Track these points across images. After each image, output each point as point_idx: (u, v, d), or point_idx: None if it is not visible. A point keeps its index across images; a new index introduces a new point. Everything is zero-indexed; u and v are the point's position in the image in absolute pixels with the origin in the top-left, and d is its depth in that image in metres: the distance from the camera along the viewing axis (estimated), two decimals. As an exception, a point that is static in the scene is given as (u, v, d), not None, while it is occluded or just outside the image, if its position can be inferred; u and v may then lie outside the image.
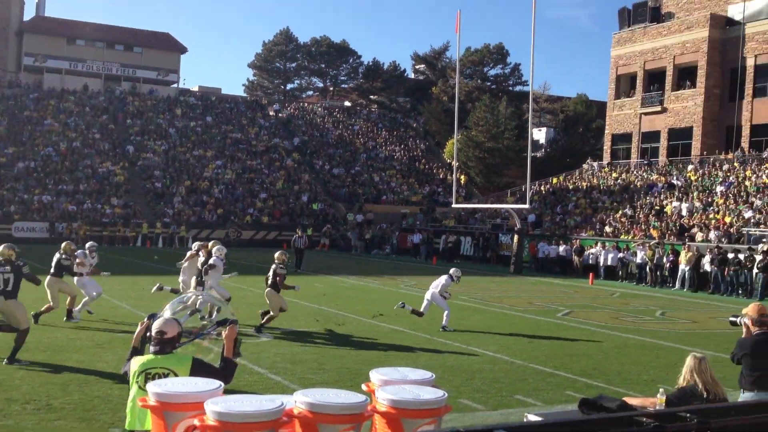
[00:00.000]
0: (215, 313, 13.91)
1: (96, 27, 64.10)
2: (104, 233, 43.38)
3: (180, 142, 56.46)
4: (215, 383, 4.90)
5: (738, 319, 7.32)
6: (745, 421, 4.35)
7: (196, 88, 70.05)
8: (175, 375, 5.16)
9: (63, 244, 15.64)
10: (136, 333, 5.65)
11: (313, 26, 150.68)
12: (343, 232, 48.11)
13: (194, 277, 15.89)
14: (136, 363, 5.29)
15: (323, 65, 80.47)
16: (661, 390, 6.94)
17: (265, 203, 50.77)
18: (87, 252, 16.80)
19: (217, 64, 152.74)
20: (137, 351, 5.54)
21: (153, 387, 4.75)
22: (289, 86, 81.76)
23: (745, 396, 6.84)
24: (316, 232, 45.15)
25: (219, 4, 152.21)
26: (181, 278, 16.71)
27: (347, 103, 78.15)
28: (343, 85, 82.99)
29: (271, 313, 14.85)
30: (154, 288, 16.67)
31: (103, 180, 49.13)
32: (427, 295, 16.35)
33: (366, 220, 49.27)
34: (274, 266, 14.85)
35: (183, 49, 67.48)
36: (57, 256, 15.21)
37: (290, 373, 11.10)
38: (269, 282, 14.86)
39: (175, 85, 66.36)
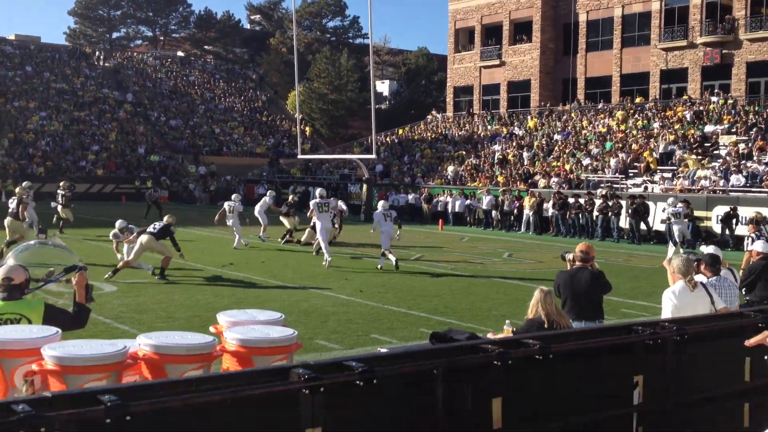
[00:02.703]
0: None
1: None
2: None
3: (-2, 93, 51.97)
4: (52, 330, 4.73)
5: (568, 255, 7.77)
6: (581, 346, 4.89)
7: (12, 37, 64.51)
8: (29, 320, 5.03)
9: None
10: None
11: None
12: (185, 184, 46.28)
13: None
14: None
15: (151, 14, 76.49)
16: (507, 322, 7.04)
17: (98, 156, 47.85)
18: None
19: (35, 11, 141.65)
20: None
21: None
22: (115, 35, 77.15)
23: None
24: (156, 184, 43.06)
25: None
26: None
27: (180, 54, 74.66)
28: (174, 35, 79.35)
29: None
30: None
31: None
32: None
33: (210, 172, 47.61)
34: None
35: (-4, -6, 62.10)
36: None
37: (137, 323, 10.40)
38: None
39: (-11, 33, 60.95)
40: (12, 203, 18.06)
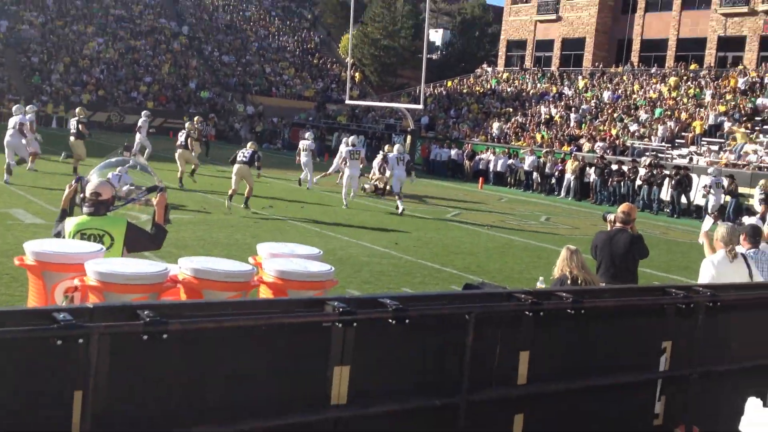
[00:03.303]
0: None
1: None
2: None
3: (58, 15, 52.44)
4: (96, 246, 4.82)
5: (609, 216, 7.66)
6: (613, 303, 4.90)
7: (74, -40, 64.64)
8: (111, 236, 5.10)
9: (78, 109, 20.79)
10: (64, 195, 5.52)
11: None
12: (231, 123, 46.47)
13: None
14: (70, 224, 5.18)
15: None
16: (540, 279, 6.93)
17: (149, 88, 48.19)
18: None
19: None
20: (66, 213, 5.47)
21: (31, 246, 4.56)
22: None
23: None
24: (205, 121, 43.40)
25: None
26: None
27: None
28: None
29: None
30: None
31: (-27, 51, 45.47)
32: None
33: (257, 113, 47.69)
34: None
35: None
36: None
37: (175, 257, 10.42)
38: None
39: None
40: (181, 136, 19.91)
